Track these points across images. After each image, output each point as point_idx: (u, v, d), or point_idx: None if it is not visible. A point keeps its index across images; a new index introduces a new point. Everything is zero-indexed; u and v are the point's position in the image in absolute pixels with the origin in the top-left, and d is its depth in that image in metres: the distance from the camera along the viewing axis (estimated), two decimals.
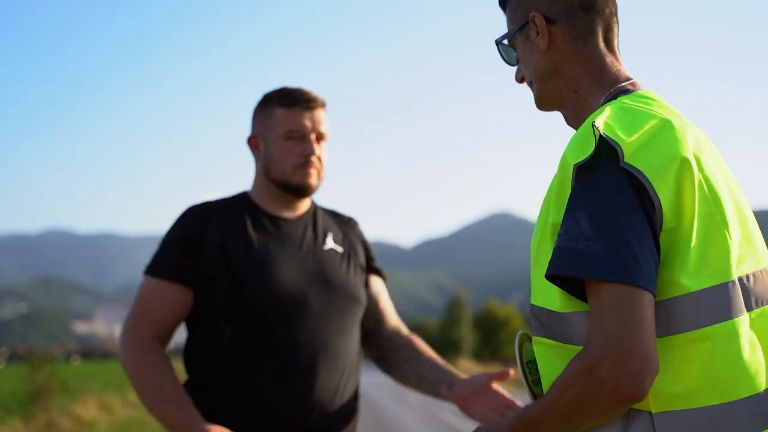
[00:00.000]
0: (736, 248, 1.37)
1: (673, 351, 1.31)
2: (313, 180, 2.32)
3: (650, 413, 1.31)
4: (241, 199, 2.36)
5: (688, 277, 1.31)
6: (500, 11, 1.72)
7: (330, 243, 2.39)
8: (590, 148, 1.33)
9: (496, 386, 2.27)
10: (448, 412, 19.49)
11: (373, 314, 2.47)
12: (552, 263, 1.34)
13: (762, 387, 1.33)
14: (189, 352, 2.27)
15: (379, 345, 2.47)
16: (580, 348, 1.35)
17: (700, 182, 1.34)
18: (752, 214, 1.50)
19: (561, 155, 1.41)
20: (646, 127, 1.35)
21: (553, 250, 1.35)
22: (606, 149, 1.33)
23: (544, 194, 1.47)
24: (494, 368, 33.89)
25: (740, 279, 1.36)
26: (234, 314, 2.17)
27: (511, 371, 2.30)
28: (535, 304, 1.46)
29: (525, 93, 1.70)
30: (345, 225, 2.52)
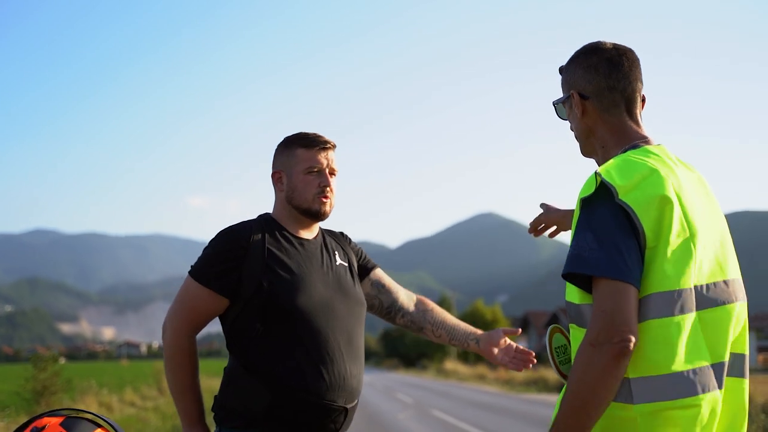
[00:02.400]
0: (700, 263, 1.94)
1: (646, 333, 1.87)
2: (327, 208, 2.87)
3: (628, 379, 1.87)
4: (269, 221, 2.92)
5: (661, 282, 1.88)
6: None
7: (338, 259, 2.96)
8: (593, 188, 1.92)
9: (508, 339, 3.14)
10: (439, 410, 19.97)
11: (390, 296, 3.12)
12: (566, 265, 1.94)
13: (711, 361, 1.90)
14: (239, 342, 2.76)
15: (405, 314, 3.14)
16: (581, 328, 1.95)
17: (678, 214, 1.91)
18: (727, 236, 2.12)
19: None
20: (637, 173, 1.93)
21: (567, 257, 1.95)
22: (604, 189, 1.91)
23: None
24: (481, 370, 34.17)
25: (702, 285, 1.94)
26: (280, 317, 2.72)
27: (519, 330, 3.13)
28: (566, 299, 2.05)
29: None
30: (342, 241, 3.08)
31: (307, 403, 2.66)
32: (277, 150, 2.97)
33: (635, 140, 2.11)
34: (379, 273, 3.13)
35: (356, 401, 2.80)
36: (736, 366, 1.98)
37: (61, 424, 1.99)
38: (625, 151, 2.07)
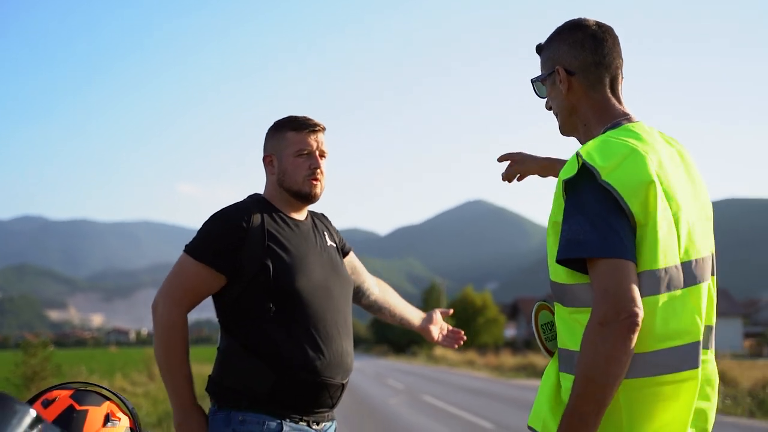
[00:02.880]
0: (684, 241, 1.97)
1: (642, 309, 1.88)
2: (318, 190, 2.90)
3: None
4: (263, 202, 2.93)
5: (650, 260, 1.89)
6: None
7: (328, 240, 3.01)
8: (575, 170, 1.92)
9: (441, 320, 3.42)
10: (430, 395, 20.07)
11: (359, 278, 3.23)
12: (560, 251, 1.92)
13: (696, 338, 1.93)
14: (240, 323, 2.76)
15: (369, 296, 3.29)
16: (574, 308, 1.95)
17: (661, 194, 1.92)
18: (710, 212, 2.15)
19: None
20: (618, 154, 1.92)
21: (561, 242, 1.92)
22: (586, 171, 1.91)
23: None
24: (470, 356, 34.30)
25: (685, 263, 1.96)
26: (279, 297, 2.74)
27: (451, 310, 3.46)
28: (551, 279, 2.05)
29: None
30: (327, 222, 3.13)
31: (309, 382, 2.70)
32: (267, 134, 2.99)
33: (617, 117, 2.12)
34: (353, 256, 3.21)
35: (349, 376, 2.87)
36: (705, 337, 2.01)
37: (71, 396, 2.02)
38: (606, 130, 2.08)
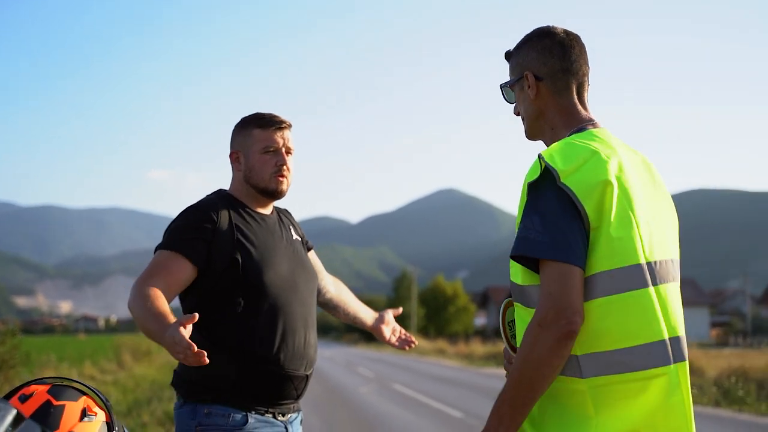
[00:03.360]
0: (646, 243, 2.00)
1: (593, 311, 1.93)
2: (284, 186, 2.94)
3: (576, 356, 1.94)
4: (229, 198, 2.97)
5: (605, 261, 1.94)
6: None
7: (294, 234, 3.06)
8: (538, 172, 1.98)
9: (392, 319, 3.41)
10: (400, 384, 20.16)
11: (318, 278, 3.22)
12: (514, 247, 1.99)
13: (659, 337, 1.96)
14: (205, 317, 2.76)
15: (325, 294, 3.29)
16: (532, 309, 1.99)
17: (618, 195, 1.97)
18: (675, 221, 2.21)
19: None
20: (579, 157, 1.98)
21: (515, 239, 2.00)
22: (548, 173, 1.97)
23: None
24: (441, 344, 34.51)
25: (651, 263, 1.99)
26: (247, 291, 2.78)
27: (401, 309, 3.50)
28: (511, 279, 2.11)
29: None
30: (291, 217, 3.17)
31: (273, 373, 2.75)
32: (234, 130, 3.02)
33: (583, 122, 2.18)
34: (313, 254, 3.25)
35: (314, 368, 2.92)
36: (674, 347, 2.01)
37: (48, 392, 2.04)
38: (572, 134, 2.14)
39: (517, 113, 2.33)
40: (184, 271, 2.74)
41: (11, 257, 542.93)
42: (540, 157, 2.00)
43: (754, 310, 78.05)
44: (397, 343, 3.36)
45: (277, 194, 2.95)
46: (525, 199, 2.02)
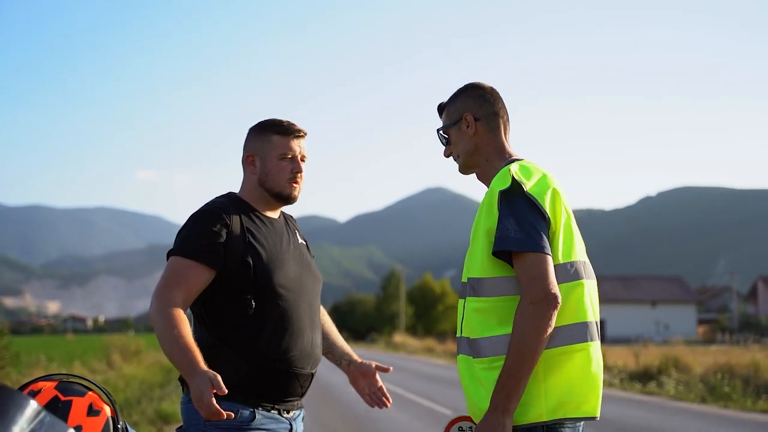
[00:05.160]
0: (576, 244, 2.54)
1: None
2: (297, 192, 3.05)
3: None
4: (239, 201, 3.04)
5: (559, 256, 2.46)
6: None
7: (299, 239, 3.16)
8: (508, 183, 2.46)
9: (377, 376, 3.27)
10: (389, 382, 20.23)
11: None
12: (495, 244, 2.43)
13: (588, 318, 2.48)
14: (215, 316, 2.87)
15: None
16: (489, 297, 2.47)
17: (564, 205, 2.51)
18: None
19: (488, 190, 2.57)
20: (535, 174, 2.53)
21: (496, 238, 2.44)
22: (516, 183, 2.46)
23: (477, 212, 2.60)
24: (429, 343, 34.29)
25: (581, 261, 2.53)
26: (257, 292, 2.86)
27: (391, 368, 3.31)
28: (470, 276, 2.56)
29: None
30: (294, 222, 3.25)
31: (281, 371, 2.85)
32: (250, 133, 3.09)
33: (512, 156, 2.70)
34: None
35: (317, 367, 3.00)
36: (593, 330, 2.52)
37: (56, 388, 2.12)
38: (509, 163, 2.61)
39: (448, 155, 2.80)
40: (203, 277, 2.81)
41: None
42: (510, 170, 2.50)
43: (740, 307, 78.43)
44: (368, 398, 3.26)
45: (291, 200, 3.05)
46: (494, 204, 2.48)
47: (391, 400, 3.27)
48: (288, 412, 2.90)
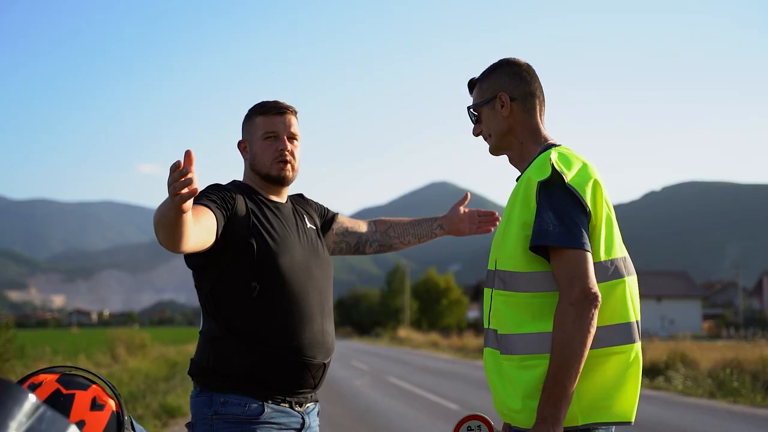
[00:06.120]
0: (617, 239, 2.37)
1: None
2: (287, 173, 2.89)
3: None
4: (242, 186, 2.94)
5: (600, 253, 2.30)
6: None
7: (308, 223, 3.01)
8: (548, 173, 2.29)
9: (464, 208, 3.35)
10: (395, 376, 20.18)
11: (354, 235, 3.25)
12: (533, 238, 2.27)
13: (630, 318, 2.32)
14: (220, 305, 2.74)
15: (372, 243, 3.29)
16: (522, 293, 2.30)
17: (605, 197, 2.34)
18: None
19: (523, 176, 2.40)
20: (575, 164, 2.34)
21: (534, 232, 2.27)
22: (557, 175, 2.29)
23: (509, 199, 2.45)
24: (433, 337, 34.31)
25: (622, 257, 2.36)
26: (262, 277, 2.73)
27: (468, 194, 3.39)
28: (500, 268, 2.39)
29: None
30: (305, 204, 3.12)
31: (289, 361, 2.71)
32: (243, 121, 3.01)
33: (547, 140, 2.53)
34: (340, 219, 3.23)
35: (331, 357, 2.87)
36: (635, 330, 2.36)
37: (58, 380, 2.01)
38: (544, 148, 2.46)
39: (477, 133, 2.63)
40: (210, 215, 2.60)
41: (3, 251, 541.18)
42: (550, 159, 2.32)
43: (745, 302, 78.29)
44: (481, 230, 3.31)
45: (281, 180, 2.90)
46: (532, 195, 2.31)
47: (496, 213, 3.27)
48: (300, 406, 2.77)
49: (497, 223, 3.25)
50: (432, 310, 70.81)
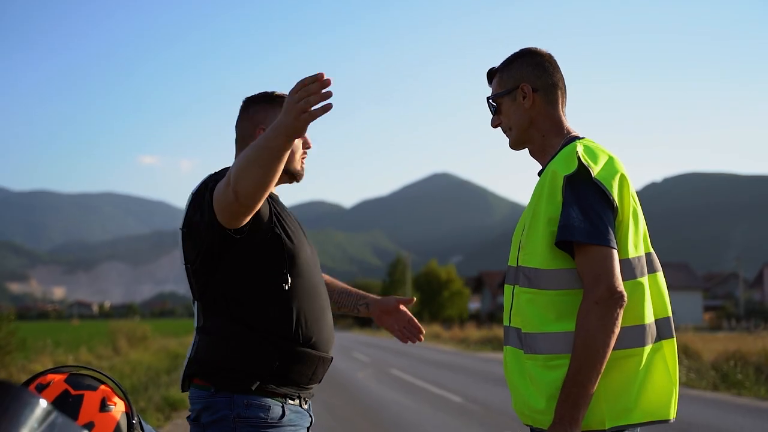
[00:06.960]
0: (642, 235, 2.31)
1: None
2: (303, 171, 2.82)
3: None
4: None
5: (626, 249, 2.24)
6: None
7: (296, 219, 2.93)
8: (574, 167, 2.23)
9: (402, 308, 3.13)
10: (397, 369, 20.16)
11: None
12: (559, 233, 2.20)
13: (658, 316, 2.28)
14: (244, 302, 2.59)
15: None
16: (548, 290, 2.24)
17: (631, 192, 2.29)
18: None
19: (547, 170, 2.33)
20: (601, 157, 2.30)
21: (559, 227, 2.21)
22: (584, 169, 2.23)
23: (534, 193, 2.37)
24: (436, 329, 34.37)
25: (648, 253, 2.31)
26: (287, 269, 2.60)
27: (415, 298, 3.20)
28: (524, 265, 2.31)
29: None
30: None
31: (311, 357, 2.64)
32: (256, 104, 2.80)
33: (570, 132, 2.47)
34: None
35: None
36: (667, 326, 2.32)
37: (66, 381, 1.96)
38: (567, 141, 2.41)
39: (496, 125, 2.56)
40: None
41: (3, 243, 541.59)
42: (577, 153, 2.26)
43: (746, 293, 78.31)
44: (399, 333, 3.13)
45: (299, 177, 2.83)
46: (558, 189, 2.24)
47: (423, 331, 3.10)
48: (305, 401, 2.70)
49: (417, 342, 3.11)
50: (433, 302, 70.82)
